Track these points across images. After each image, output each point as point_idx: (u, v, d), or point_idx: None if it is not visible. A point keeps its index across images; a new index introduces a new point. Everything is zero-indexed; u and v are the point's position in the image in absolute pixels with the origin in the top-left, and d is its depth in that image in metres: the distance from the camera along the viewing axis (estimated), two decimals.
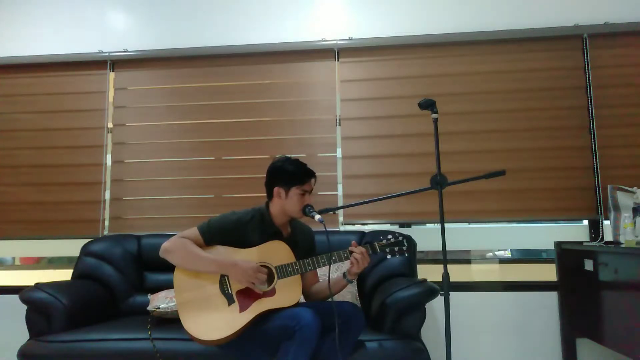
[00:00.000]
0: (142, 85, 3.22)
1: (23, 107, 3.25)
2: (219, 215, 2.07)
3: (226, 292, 1.96)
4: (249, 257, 1.98)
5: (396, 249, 2.00)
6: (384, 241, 2.02)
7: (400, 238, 2.03)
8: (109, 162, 3.16)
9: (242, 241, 2.02)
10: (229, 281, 1.97)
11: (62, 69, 3.26)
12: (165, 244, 1.98)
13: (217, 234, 2.01)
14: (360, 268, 1.95)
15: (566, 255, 2.74)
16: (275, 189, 2.06)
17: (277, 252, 2.01)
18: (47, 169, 3.18)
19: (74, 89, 3.24)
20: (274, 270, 1.98)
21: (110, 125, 3.20)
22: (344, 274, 2.02)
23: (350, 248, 1.97)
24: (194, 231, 2.02)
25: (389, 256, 2.01)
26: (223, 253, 2.00)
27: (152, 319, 2.30)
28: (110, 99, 3.21)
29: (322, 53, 3.10)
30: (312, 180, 2.07)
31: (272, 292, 1.96)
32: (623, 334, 2.21)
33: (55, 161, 3.18)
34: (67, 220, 3.12)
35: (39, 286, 2.35)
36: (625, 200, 2.57)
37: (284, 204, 2.05)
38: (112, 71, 3.24)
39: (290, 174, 2.03)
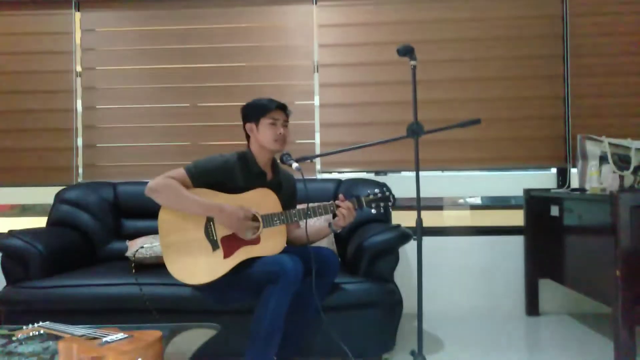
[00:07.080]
0: (110, 27, 3.07)
1: None
2: (206, 157, 2.06)
3: (211, 237, 1.97)
4: (235, 203, 1.99)
5: (382, 204, 2.01)
6: (371, 196, 2.01)
7: (387, 193, 2.03)
8: (79, 107, 3.06)
9: (227, 183, 2.02)
10: (214, 226, 1.97)
11: (23, 7, 3.06)
12: (151, 183, 1.94)
13: (203, 174, 1.99)
14: (347, 222, 1.97)
15: (534, 202, 2.85)
16: (247, 126, 2.07)
17: (264, 201, 2.02)
18: (14, 114, 3.06)
19: (37, 28, 3.06)
20: (259, 219, 1.99)
21: (79, 68, 3.07)
22: (330, 224, 2.04)
23: (337, 202, 1.98)
24: (180, 172, 1.98)
25: (373, 211, 2.01)
26: (210, 197, 1.99)
27: (134, 262, 2.30)
28: (78, 41, 3.06)
29: None
30: (281, 110, 2.06)
31: (256, 240, 1.98)
32: (583, 274, 2.35)
33: (22, 106, 3.05)
34: (39, 167, 3.05)
35: (13, 233, 2.33)
36: (593, 149, 2.63)
37: (258, 138, 2.05)
38: (78, 11, 3.07)
39: (255, 106, 2.06)
